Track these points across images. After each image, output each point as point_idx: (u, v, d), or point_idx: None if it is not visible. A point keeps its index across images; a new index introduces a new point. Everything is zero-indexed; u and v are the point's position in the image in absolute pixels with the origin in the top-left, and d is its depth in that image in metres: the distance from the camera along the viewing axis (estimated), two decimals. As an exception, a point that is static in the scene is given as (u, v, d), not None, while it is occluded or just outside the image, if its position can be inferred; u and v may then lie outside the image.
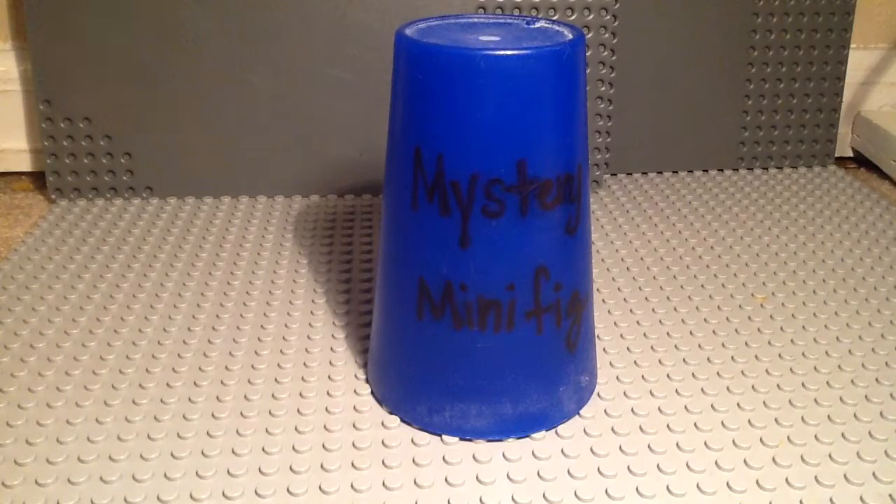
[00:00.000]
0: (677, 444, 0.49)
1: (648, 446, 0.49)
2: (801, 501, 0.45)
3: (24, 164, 0.90)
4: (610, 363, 0.57)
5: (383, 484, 0.46)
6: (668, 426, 0.51)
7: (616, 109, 0.85)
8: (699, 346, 0.59)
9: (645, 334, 0.60)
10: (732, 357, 0.58)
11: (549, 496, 0.45)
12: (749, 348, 0.59)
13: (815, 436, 0.50)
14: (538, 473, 0.47)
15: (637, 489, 0.46)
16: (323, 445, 0.49)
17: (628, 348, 0.59)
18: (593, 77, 0.83)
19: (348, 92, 0.81)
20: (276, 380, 0.55)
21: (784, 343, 0.60)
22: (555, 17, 0.80)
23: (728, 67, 0.88)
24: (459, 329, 0.48)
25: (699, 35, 0.87)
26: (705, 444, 0.49)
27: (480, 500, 0.45)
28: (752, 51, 0.88)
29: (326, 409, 0.52)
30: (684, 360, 0.58)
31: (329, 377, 0.55)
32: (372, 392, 0.54)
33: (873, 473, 0.47)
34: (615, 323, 0.62)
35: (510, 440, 0.50)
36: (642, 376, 0.56)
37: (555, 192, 0.46)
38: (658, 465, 0.48)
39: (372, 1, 0.78)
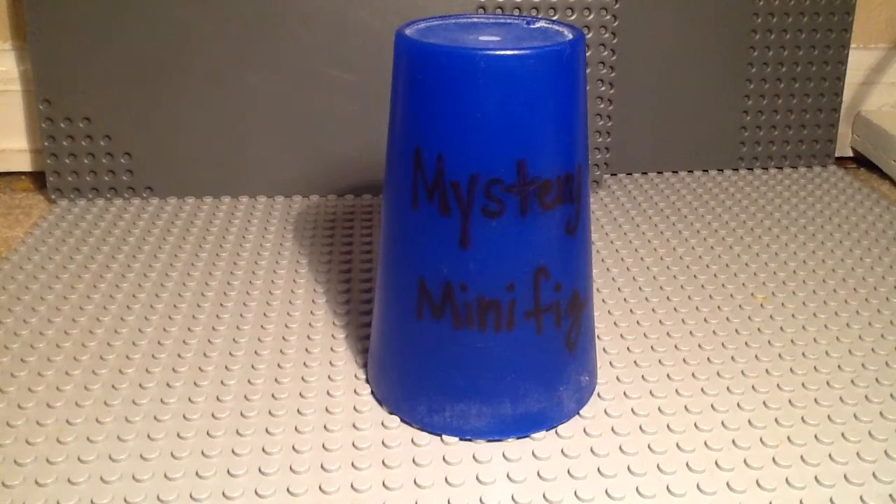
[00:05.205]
0: (677, 444, 0.49)
1: (648, 446, 0.49)
2: (801, 501, 0.45)
3: (24, 164, 0.90)
4: (610, 363, 0.57)
5: (383, 484, 0.46)
6: (668, 426, 0.51)
7: (616, 109, 0.85)
8: (699, 346, 0.59)
9: (645, 334, 0.61)
10: (732, 357, 0.58)
11: (549, 496, 0.45)
12: (749, 348, 0.59)
13: (815, 436, 0.50)
14: (538, 473, 0.47)
15: (637, 489, 0.46)
16: (323, 445, 0.49)
17: (628, 348, 0.59)
18: (593, 77, 0.83)
19: (348, 92, 0.81)
20: (276, 380, 0.55)
21: (784, 343, 0.60)
22: (555, 17, 0.80)
23: (728, 67, 0.88)
24: (459, 329, 0.48)
25: (699, 35, 0.87)
26: (705, 444, 0.49)
27: (480, 500, 0.45)
28: (752, 51, 0.88)
29: (326, 409, 0.52)
30: (684, 360, 0.58)
31: (329, 377, 0.55)
32: (372, 392, 0.54)
33: (873, 473, 0.47)
34: (615, 323, 0.62)
35: (510, 440, 0.50)
36: (642, 376, 0.56)
37: (555, 192, 0.46)
38: (658, 465, 0.48)
39: (372, 1, 0.78)
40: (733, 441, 0.50)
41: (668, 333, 0.61)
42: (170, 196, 0.83)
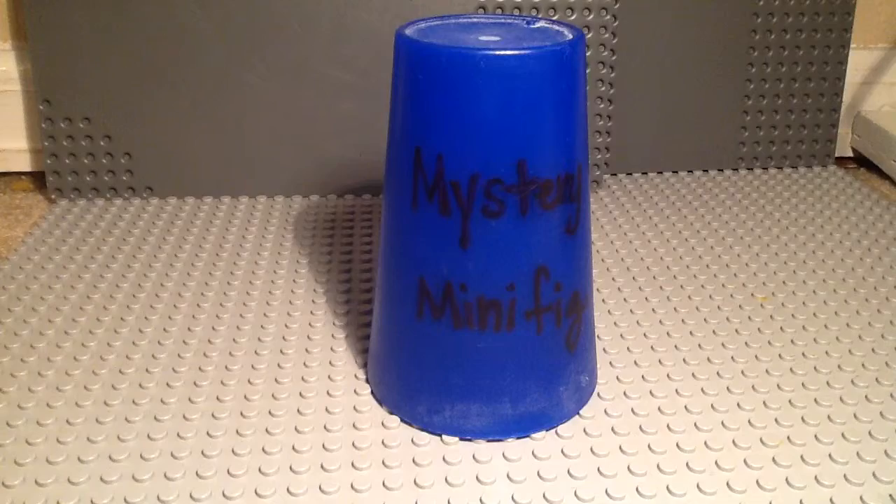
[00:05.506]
0: (677, 444, 0.49)
1: (648, 446, 0.49)
2: (801, 501, 0.45)
3: (24, 164, 0.90)
4: (610, 363, 0.57)
5: (383, 484, 0.46)
6: (668, 426, 0.51)
7: (616, 109, 0.85)
8: (699, 346, 0.59)
9: (645, 334, 0.60)
10: (732, 357, 0.58)
11: (549, 496, 0.45)
12: (749, 348, 0.59)
13: (815, 436, 0.50)
14: (538, 473, 0.47)
15: (637, 489, 0.46)
16: (323, 445, 0.49)
17: (628, 348, 0.59)
18: (593, 77, 0.83)
19: (348, 92, 0.81)
20: (276, 380, 0.55)
21: (784, 343, 0.60)
22: (555, 17, 0.80)
23: (728, 67, 0.88)
24: (459, 329, 0.48)
25: (699, 35, 0.87)
26: (705, 444, 0.49)
27: (480, 500, 0.45)
28: (752, 51, 0.88)
29: (326, 409, 0.52)
30: (684, 360, 0.58)
31: (329, 377, 0.55)
32: (372, 392, 0.54)
33: (873, 473, 0.47)
34: (615, 323, 0.62)
35: (510, 440, 0.50)
36: (642, 376, 0.56)
37: (555, 192, 0.46)
38: (658, 465, 0.48)
39: (372, 1, 0.78)
40: (733, 441, 0.50)
41: (668, 333, 0.61)
42: (170, 196, 0.83)
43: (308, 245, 0.74)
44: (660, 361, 0.57)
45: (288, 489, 0.46)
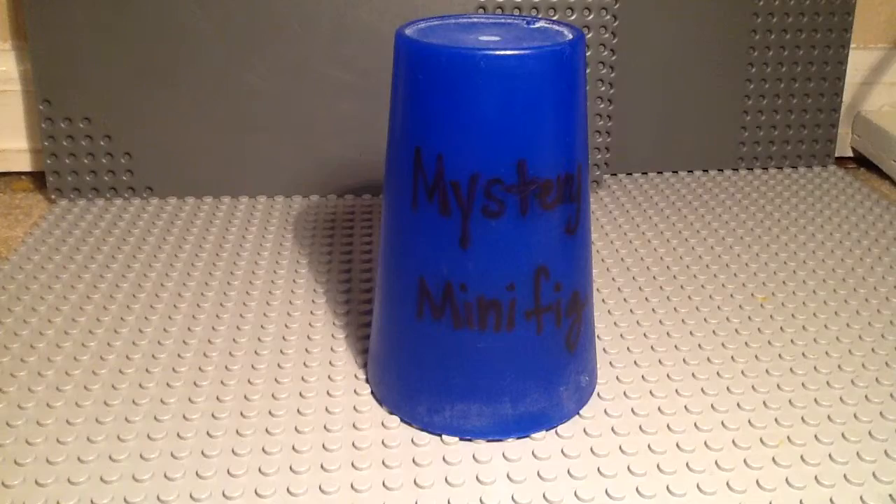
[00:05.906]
0: (677, 444, 0.49)
1: (648, 446, 0.49)
2: (801, 501, 0.45)
3: (24, 164, 0.90)
4: (610, 363, 0.57)
5: (383, 484, 0.46)
6: (668, 426, 0.51)
7: (616, 109, 0.85)
8: (699, 346, 0.59)
9: (645, 334, 0.60)
10: (732, 357, 0.58)
11: (549, 496, 0.45)
12: (749, 348, 0.59)
13: (815, 436, 0.50)
14: (538, 473, 0.47)
15: (637, 489, 0.46)
16: (323, 445, 0.49)
17: (628, 348, 0.59)
18: (593, 77, 0.83)
19: (348, 92, 0.81)
20: (276, 380, 0.55)
21: (784, 343, 0.60)
22: (555, 17, 0.80)
23: (728, 67, 0.88)
24: (459, 329, 0.48)
25: (699, 35, 0.87)
26: (705, 444, 0.49)
27: (480, 500, 0.45)
28: (752, 51, 0.88)
29: (326, 409, 0.52)
30: (684, 360, 0.58)
31: (329, 377, 0.55)
32: (372, 392, 0.54)
33: (873, 473, 0.47)
34: (615, 323, 0.62)
35: (510, 440, 0.50)
36: (642, 376, 0.56)
37: (555, 192, 0.46)
38: (658, 465, 0.48)
39: (372, 1, 0.78)
40: (733, 441, 0.50)
41: (668, 333, 0.61)
42: (170, 196, 0.83)
43: (308, 245, 0.74)
44: (660, 361, 0.57)
45: (288, 489, 0.46)
